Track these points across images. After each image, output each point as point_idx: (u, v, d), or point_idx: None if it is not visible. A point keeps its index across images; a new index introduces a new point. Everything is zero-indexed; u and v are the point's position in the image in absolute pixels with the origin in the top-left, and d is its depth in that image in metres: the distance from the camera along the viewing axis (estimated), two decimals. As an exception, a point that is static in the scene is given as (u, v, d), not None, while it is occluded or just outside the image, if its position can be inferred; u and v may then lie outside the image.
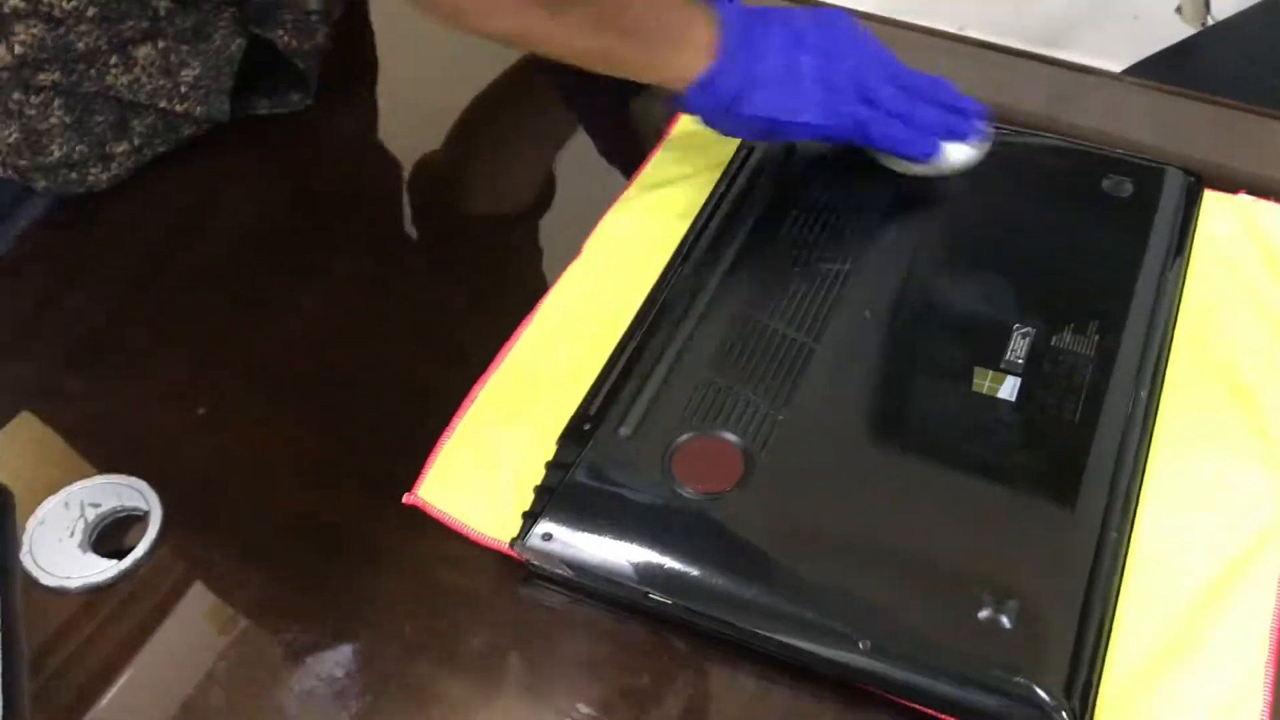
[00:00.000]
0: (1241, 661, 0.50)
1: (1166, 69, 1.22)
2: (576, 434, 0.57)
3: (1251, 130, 0.76)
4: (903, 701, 0.50)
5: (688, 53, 0.63)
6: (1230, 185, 0.70)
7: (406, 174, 0.79)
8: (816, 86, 0.63)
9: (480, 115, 0.80)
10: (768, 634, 0.50)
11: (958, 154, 0.66)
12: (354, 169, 0.78)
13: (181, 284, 0.69)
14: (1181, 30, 1.37)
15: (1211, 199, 0.69)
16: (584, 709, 0.51)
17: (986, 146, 0.67)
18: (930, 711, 0.49)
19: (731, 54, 0.62)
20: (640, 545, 0.53)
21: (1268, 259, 0.66)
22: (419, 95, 0.83)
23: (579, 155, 0.78)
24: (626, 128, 0.80)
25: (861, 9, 0.85)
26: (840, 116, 0.64)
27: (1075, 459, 0.54)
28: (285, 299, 0.68)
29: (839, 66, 0.64)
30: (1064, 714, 0.47)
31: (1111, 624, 0.51)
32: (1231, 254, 0.66)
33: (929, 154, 0.65)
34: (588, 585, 0.53)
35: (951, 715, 0.49)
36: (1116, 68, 1.27)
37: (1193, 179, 0.68)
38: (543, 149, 0.79)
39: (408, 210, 0.76)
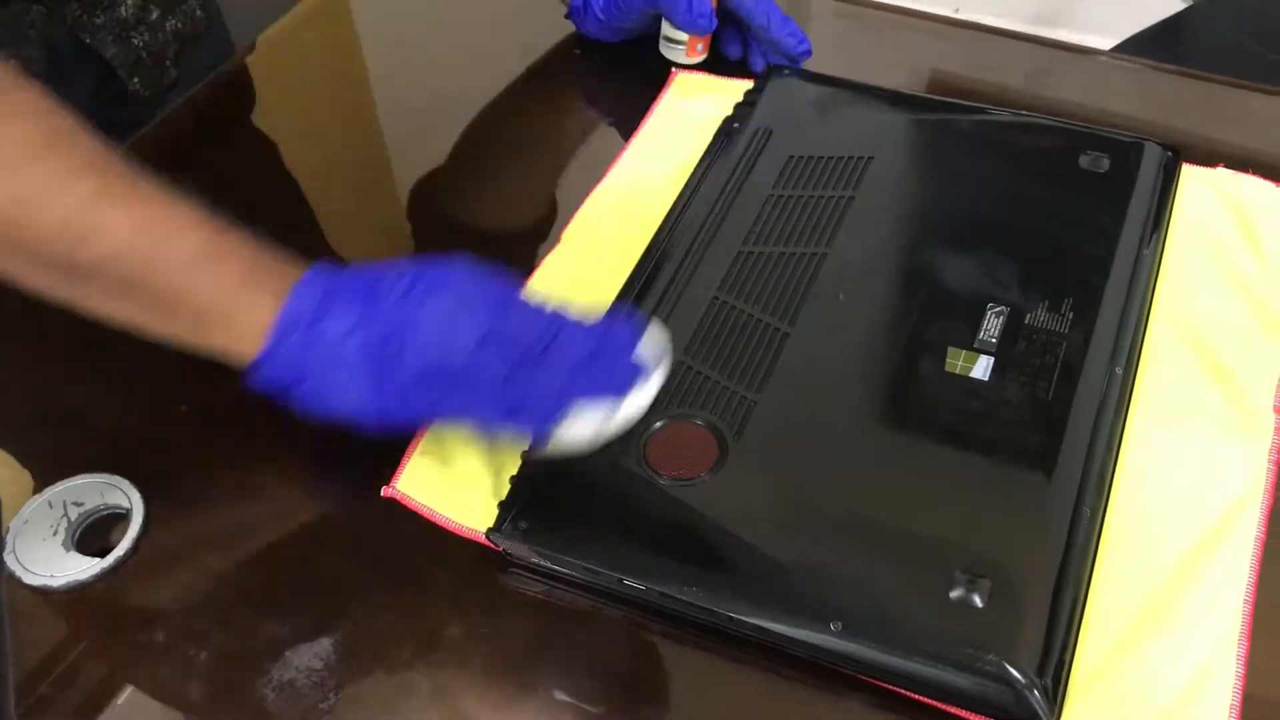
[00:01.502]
0: (1215, 634, 0.50)
1: (1159, 44, 1.22)
2: (552, 423, 0.57)
3: (1231, 103, 0.76)
4: (876, 683, 0.50)
5: (234, 336, 0.52)
6: (1210, 159, 0.69)
7: (392, 163, 0.79)
8: (374, 373, 0.52)
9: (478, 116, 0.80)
10: (741, 617, 0.50)
11: (572, 432, 0.54)
12: (332, 159, 0.79)
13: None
14: (1174, 5, 1.36)
15: (1190, 173, 0.69)
16: (561, 696, 0.51)
17: (625, 420, 0.55)
18: (903, 692, 0.49)
19: (282, 340, 0.52)
20: (614, 533, 0.53)
21: (1245, 232, 0.65)
22: (398, 88, 0.83)
23: (560, 145, 0.78)
24: (604, 119, 0.80)
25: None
26: (409, 405, 0.52)
27: (1048, 437, 0.54)
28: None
29: (416, 344, 0.51)
30: (1036, 692, 0.47)
31: (1086, 600, 0.51)
32: (1209, 228, 0.66)
33: (535, 435, 0.54)
34: (563, 573, 0.53)
35: (925, 695, 0.49)
36: (1110, 44, 1.26)
37: (1171, 153, 0.68)
38: (536, 146, 0.79)
39: (393, 201, 0.76)
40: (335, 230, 0.73)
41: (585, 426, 0.54)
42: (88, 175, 0.50)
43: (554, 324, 0.54)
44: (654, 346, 0.56)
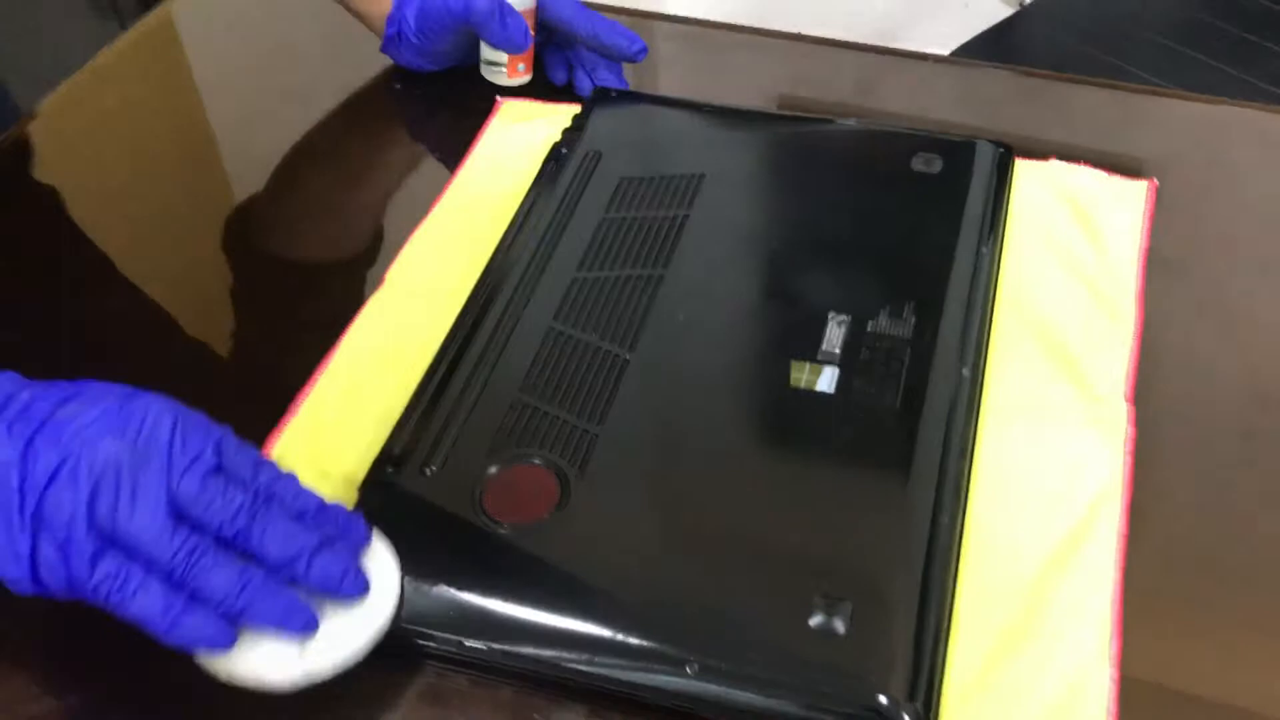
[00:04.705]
0: (1086, 637, 0.48)
1: (992, 47, 1.24)
2: (379, 478, 0.53)
3: (1057, 98, 0.76)
4: (742, 725, 0.47)
5: None
6: (1042, 153, 0.69)
7: (205, 211, 0.74)
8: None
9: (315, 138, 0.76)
10: (591, 669, 0.47)
11: (258, 660, 0.44)
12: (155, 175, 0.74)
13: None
14: (1003, 10, 1.39)
15: (1024, 167, 0.68)
16: (401, 775, 0.47)
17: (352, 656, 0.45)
18: (771, 732, 0.46)
19: None
20: (451, 591, 0.49)
21: (1081, 221, 0.65)
22: (207, 138, 0.79)
23: (382, 181, 0.75)
24: (430, 153, 0.77)
25: (700, 15, 0.84)
26: (44, 572, 0.42)
27: (899, 447, 0.52)
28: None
29: (62, 496, 0.41)
30: (908, 717, 0.45)
31: (951, 614, 0.49)
32: (1046, 220, 0.65)
33: (210, 646, 0.43)
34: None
35: (793, 733, 0.46)
36: (946, 52, 1.28)
37: (1003, 150, 0.67)
38: (357, 183, 0.75)
39: (218, 235, 0.71)
40: (151, 276, 0.68)
41: (282, 655, 0.41)
42: None
43: (257, 491, 0.43)
44: (382, 559, 0.46)
